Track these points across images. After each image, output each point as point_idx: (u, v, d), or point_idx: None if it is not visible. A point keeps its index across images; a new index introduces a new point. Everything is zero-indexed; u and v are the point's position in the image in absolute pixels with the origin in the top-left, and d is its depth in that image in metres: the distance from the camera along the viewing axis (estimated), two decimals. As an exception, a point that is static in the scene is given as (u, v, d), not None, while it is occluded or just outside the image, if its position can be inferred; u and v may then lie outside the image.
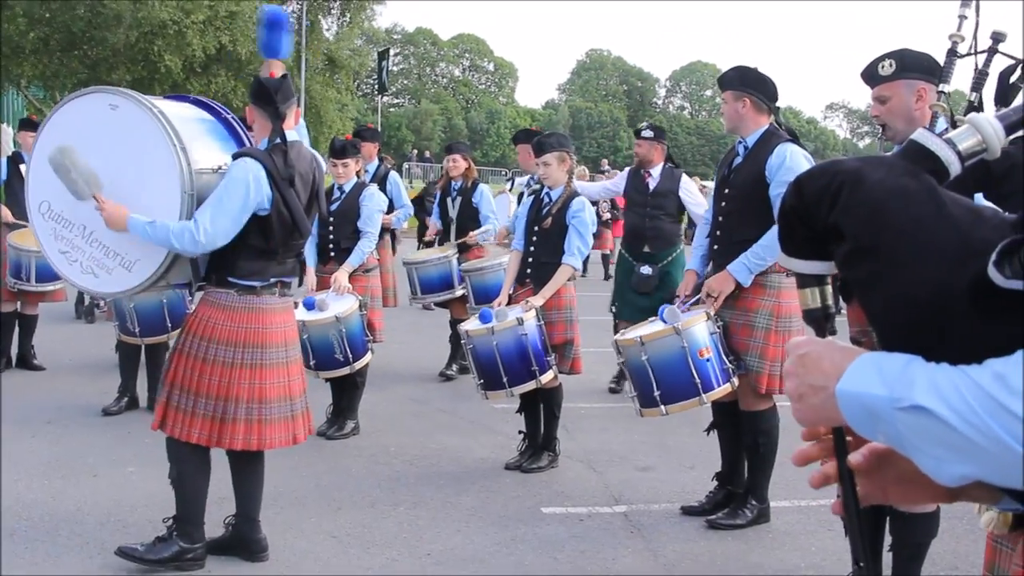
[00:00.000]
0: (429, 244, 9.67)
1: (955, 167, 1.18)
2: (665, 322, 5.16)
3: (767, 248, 4.92)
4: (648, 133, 7.80)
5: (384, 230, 8.05)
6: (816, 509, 5.34)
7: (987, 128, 1.18)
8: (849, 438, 1.32)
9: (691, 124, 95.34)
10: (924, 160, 1.18)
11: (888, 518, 4.01)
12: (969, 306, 1.03)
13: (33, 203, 4.55)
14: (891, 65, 3.91)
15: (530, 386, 5.91)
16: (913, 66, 3.89)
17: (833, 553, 4.79)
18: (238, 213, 4.21)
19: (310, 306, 6.53)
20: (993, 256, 1.01)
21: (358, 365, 6.61)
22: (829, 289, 1.31)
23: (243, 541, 4.53)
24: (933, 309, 1.07)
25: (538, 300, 5.96)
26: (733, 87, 5.16)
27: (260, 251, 4.37)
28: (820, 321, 1.32)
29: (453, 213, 8.70)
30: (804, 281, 1.31)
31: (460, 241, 8.55)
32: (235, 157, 4.32)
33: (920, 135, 1.20)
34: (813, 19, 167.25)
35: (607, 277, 17.43)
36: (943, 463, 1.03)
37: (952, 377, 1.01)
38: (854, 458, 1.29)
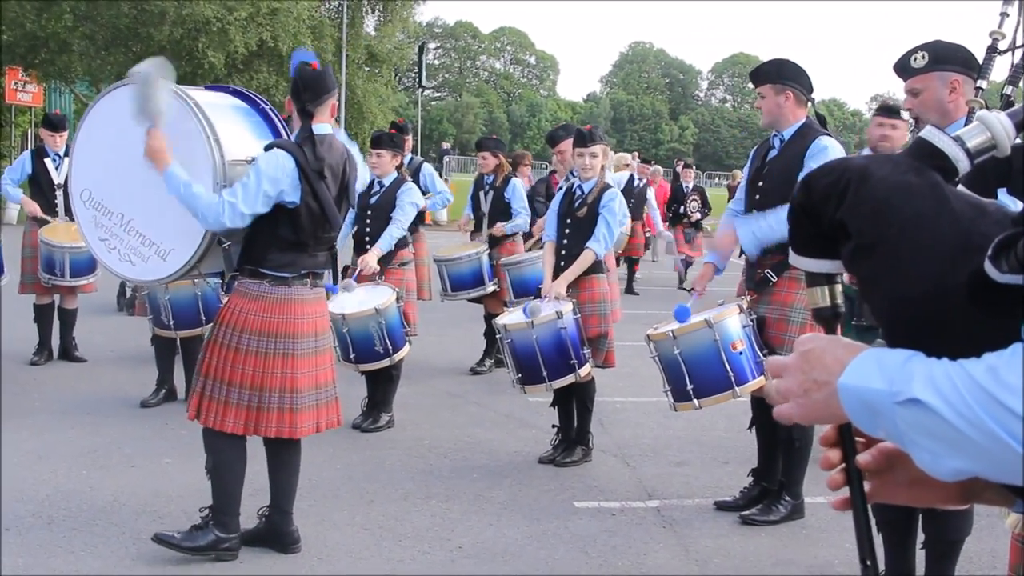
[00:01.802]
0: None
1: (964, 164, 1.16)
2: (680, 320, 5.16)
3: (780, 221, 4.80)
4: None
5: (418, 221, 8.07)
6: (851, 506, 5.28)
7: (997, 125, 1.16)
8: (860, 439, 1.31)
9: (733, 117, 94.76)
10: (932, 157, 1.16)
11: (921, 515, 3.97)
12: (968, 301, 1.02)
13: (75, 191, 4.65)
14: (923, 57, 3.86)
15: (569, 379, 5.90)
16: (946, 58, 3.84)
17: (868, 550, 4.74)
18: (261, 199, 4.26)
19: (332, 291, 6.53)
20: (990, 251, 0.99)
21: (398, 357, 6.63)
22: (839, 287, 1.30)
23: (276, 533, 4.57)
24: (933, 304, 1.06)
25: (560, 284, 5.97)
26: (772, 80, 5.09)
27: (291, 243, 4.41)
28: (829, 320, 1.31)
29: (485, 207, 8.71)
30: (813, 280, 1.30)
31: (489, 232, 8.56)
32: (267, 148, 4.37)
33: (928, 132, 1.19)
34: (857, 10, 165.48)
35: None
36: (939, 457, 1.02)
37: (948, 371, 1.00)
38: (863, 458, 1.28)
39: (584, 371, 5.91)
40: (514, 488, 5.64)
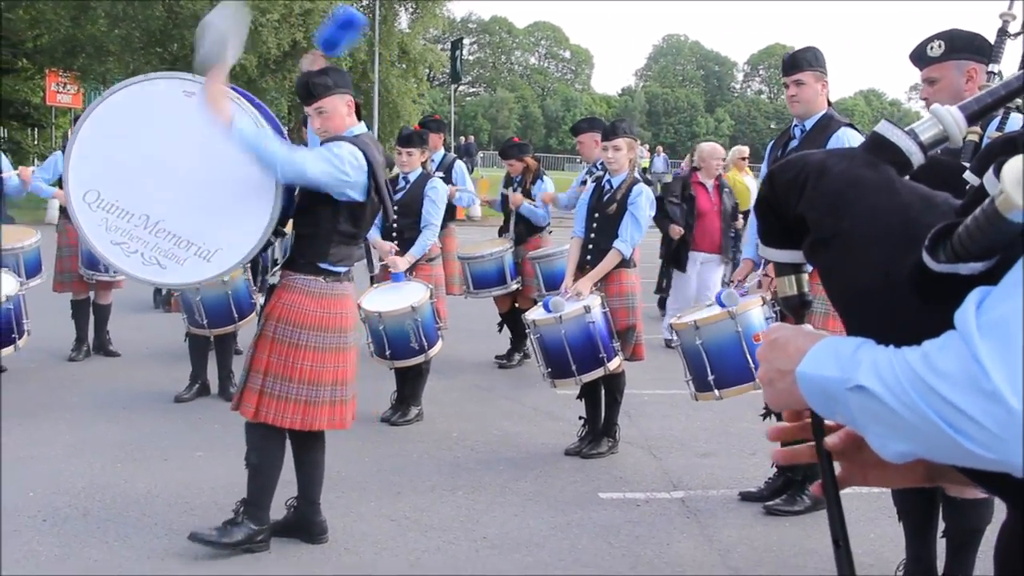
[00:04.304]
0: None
1: (917, 157, 1.21)
2: (723, 305, 5.19)
3: None
4: None
5: (448, 217, 8.13)
6: (876, 496, 5.29)
7: (948, 118, 1.20)
8: (830, 421, 1.35)
9: (770, 108, 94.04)
10: (886, 151, 1.21)
11: (941, 505, 3.98)
12: (913, 290, 1.07)
13: (76, 193, 4.37)
14: (940, 46, 3.87)
15: (598, 373, 5.94)
16: (962, 46, 3.85)
17: (891, 540, 4.76)
18: (326, 172, 4.26)
19: (398, 279, 6.71)
20: (927, 241, 1.04)
21: (432, 353, 6.70)
22: (805, 277, 1.35)
23: (304, 523, 4.66)
24: (884, 293, 1.11)
25: (584, 284, 6.00)
26: (813, 67, 5.08)
27: (349, 236, 4.50)
28: (797, 308, 1.36)
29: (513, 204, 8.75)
30: (781, 270, 1.35)
31: (505, 193, 8.59)
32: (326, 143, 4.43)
33: (883, 127, 1.23)
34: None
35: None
36: (885, 440, 1.07)
37: (891, 358, 1.05)
38: (831, 440, 1.33)
39: (613, 364, 5.94)
40: (540, 480, 5.70)
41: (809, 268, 1.34)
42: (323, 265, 4.46)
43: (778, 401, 1.27)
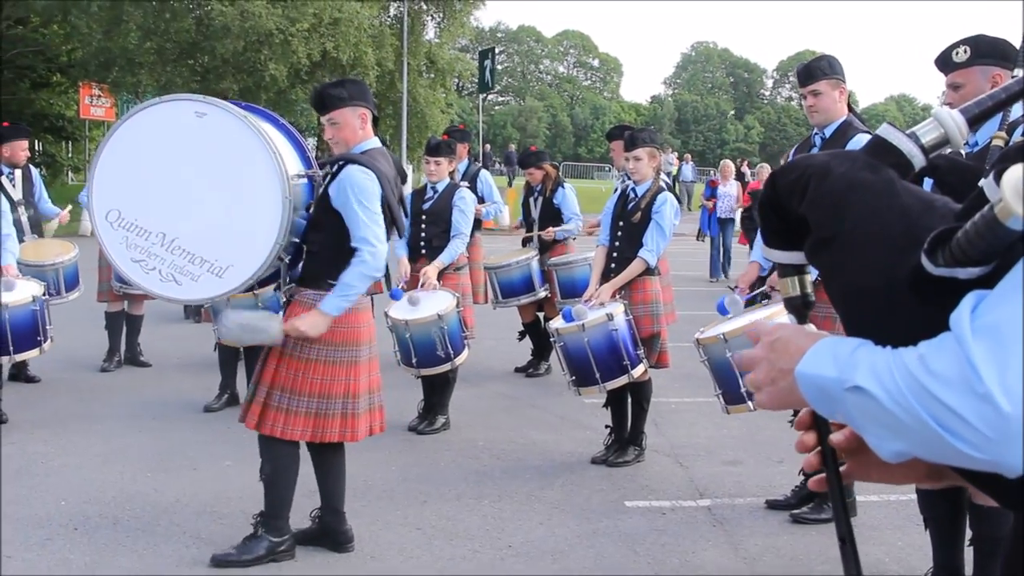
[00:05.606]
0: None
1: (918, 160, 1.21)
2: (726, 311, 5.21)
3: None
4: None
5: (475, 226, 8.16)
6: (904, 504, 5.25)
7: (949, 121, 1.21)
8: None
9: (800, 115, 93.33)
10: (887, 154, 1.22)
11: (968, 512, 3.95)
12: (912, 293, 1.08)
13: (99, 212, 4.48)
14: (965, 51, 3.85)
15: (622, 380, 5.94)
16: (988, 52, 3.83)
17: (919, 548, 4.72)
18: (382, 218, 4.44)
19: (396, 297, 6.68)
20: (926, 245, 1.05)
21: (459, 361, 6.72)
22: (808, 278, 1.36)
23: (329, 533, 4.68)
24: (881, 296, 1.12)
25: (606, 290, 6.02)
26: (827, 76, 5.09)
27: (354, 252, 4.52)
28: (799, 308, 1.36)
29: (535, 213, 8.76)
30: (784, 271, 1.36)
31: (529, 235, 8.62)
32: (339, 166, 4.47)
33: (884, 130, 1.24)
34: (924, 3, 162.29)
35: None
36: (883, 440, 1.08)
37: (888, 359, 1.06)
38: (835, 437, 1.33)
39: (638, 372, 5.94)
40: (566, 488, 5.70)
41: (812, 270, 1.35)
42: (332, 281, 4.47)
43: (779, 401, 1.28)
